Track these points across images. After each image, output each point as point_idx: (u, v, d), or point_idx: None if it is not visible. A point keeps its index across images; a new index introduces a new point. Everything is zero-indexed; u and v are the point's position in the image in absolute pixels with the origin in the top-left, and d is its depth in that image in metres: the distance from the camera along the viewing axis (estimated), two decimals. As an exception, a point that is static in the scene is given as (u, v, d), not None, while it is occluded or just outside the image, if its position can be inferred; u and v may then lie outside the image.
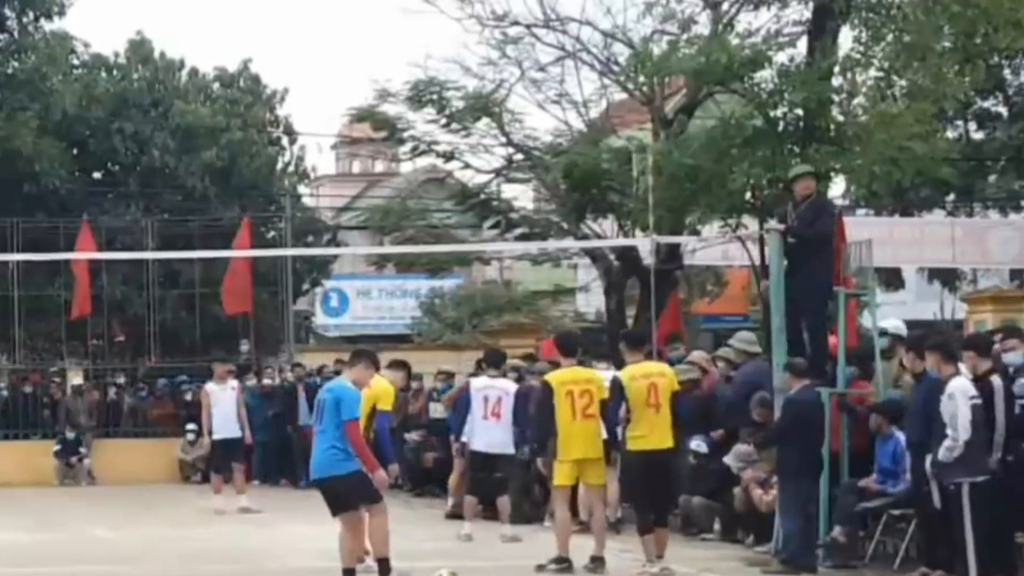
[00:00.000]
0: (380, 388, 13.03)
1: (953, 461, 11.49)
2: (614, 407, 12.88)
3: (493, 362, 16.44)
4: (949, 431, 11.47)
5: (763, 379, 14.93)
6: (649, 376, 12.91)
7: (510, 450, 15.90)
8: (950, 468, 11.55)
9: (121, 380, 28.33)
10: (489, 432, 15.74)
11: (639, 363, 13.05)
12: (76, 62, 32.66)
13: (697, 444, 15.57)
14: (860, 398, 13.88)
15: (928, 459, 11.94)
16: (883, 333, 14.36)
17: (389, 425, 13.36)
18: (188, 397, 27.09)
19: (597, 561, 13.10)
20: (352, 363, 12.27)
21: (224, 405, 19.98)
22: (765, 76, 18.79)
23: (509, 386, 16.04)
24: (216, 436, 19.99)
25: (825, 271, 13.84)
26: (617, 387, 12.87)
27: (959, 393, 11.48)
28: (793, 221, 14.06)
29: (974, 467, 11.49)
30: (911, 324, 19.53)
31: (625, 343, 13.53)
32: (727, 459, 15.11)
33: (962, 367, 11.90)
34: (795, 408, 13.11)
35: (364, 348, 13.66)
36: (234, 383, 20.66)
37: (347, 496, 11.83)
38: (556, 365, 14.45)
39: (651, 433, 12.76)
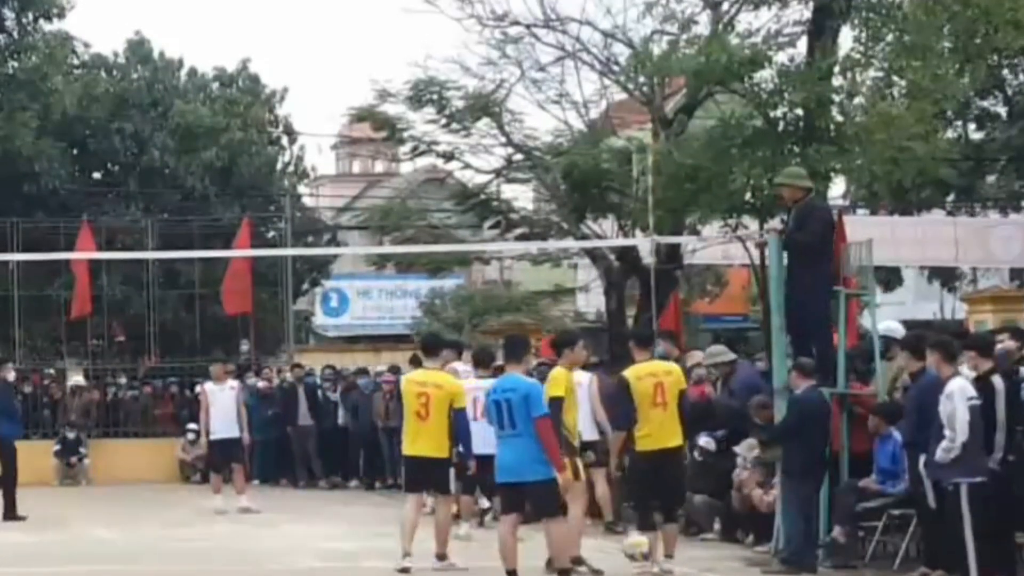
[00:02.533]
0: (456, 387, 13.46)
1: (951, 462, 11.50)
2: (624, 407, 12.89)
3: (482, 362, 16.39)
4: (947, 432, 11.48)
5: (759, 381, 14.94)
6: (655, 375, 12.95)
7: None
8: (948, 469, 11.55)
9: (122, 380, 28.32)
10: (479, 433, 15.69)
11: (646, 362, 13.08)
12: (76, 62, 32.67)
13: (706, 441, 15.56)
14: (861, 399, 13.87)
15: (922, 459, 11.97)
16: (875, 336, 14.39)
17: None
18: (197, 390, 27.00)
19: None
20: (516, 355, 12.07)
21: (222, 405, 19.97)
22: (765, 76, 18.77)
23: None
24: (214, 436, 19.98)
25: (821, 275, 13.80)
26: (624, 386, 12.89)
27: (958, 394, 11.48)
28: (787, 225, 14.13)
29: (972, 468, 11.50)
30: (911, 324, 19.55)
31: (635, 342, 13.57)
32: (738, 448, 15.09)
33: (963, 367, 11.91)
34: (801, 407, 13.10)
35: (518, 335, 13.84)
36: (233, 383, 20.66)
37: (541, 504, 11.65)
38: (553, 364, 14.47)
39: (658, 431, 12.79)
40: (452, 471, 16.41)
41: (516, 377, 11.81)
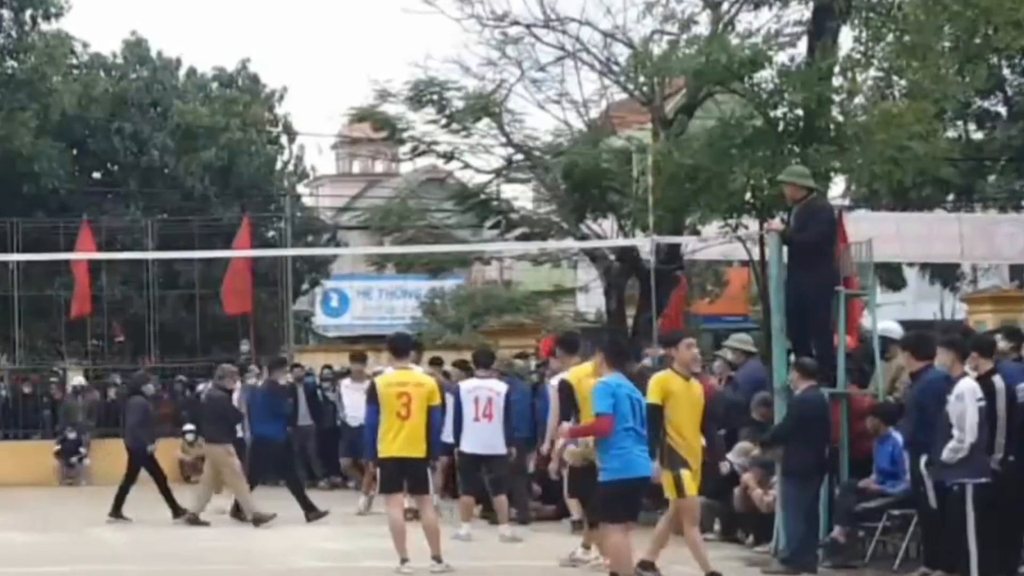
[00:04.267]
0: (434, 385, 13.40)
1: (957, 462, 11.49)
2: (564, 409, 12.91)
3: (482, 362, 16.36)
4: (955, 432, 11.46)
5: (766, 378, 14.93)
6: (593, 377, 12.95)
7: (501, 450, 15.84)
8: (953, 469, 11.54)
9: (117, 380, 28.27)
10: (480, 433, 15.67)
11: (581, 365, 13.15)
12: (75, 62, 32.72)
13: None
14: (855, 400, 13.85)
15: (923, 459, 11.95)
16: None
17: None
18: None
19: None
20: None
21: (223, 405, 19.96)
22: (765, 76, 18.74)
23: (499, 386, 15.97)
24: (213, 436, 19.94)
25: (823, 275, 13.77)
26: (566, 389, 12.88)
27: (968, 395, 11.47)
28: (788, 224, 14.12)
29: (977, 468, 11.49)
30: (911, 324, 19.52)
31: (560, 348, 13.79)
32: (730, 455, 15.10)
33: (966, 367, 11.90)
34: (802, 408, 13.09)
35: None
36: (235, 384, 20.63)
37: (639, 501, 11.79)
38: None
39: None
40: (456, 471, 16.53)
41: (621, 378, 11.77)
